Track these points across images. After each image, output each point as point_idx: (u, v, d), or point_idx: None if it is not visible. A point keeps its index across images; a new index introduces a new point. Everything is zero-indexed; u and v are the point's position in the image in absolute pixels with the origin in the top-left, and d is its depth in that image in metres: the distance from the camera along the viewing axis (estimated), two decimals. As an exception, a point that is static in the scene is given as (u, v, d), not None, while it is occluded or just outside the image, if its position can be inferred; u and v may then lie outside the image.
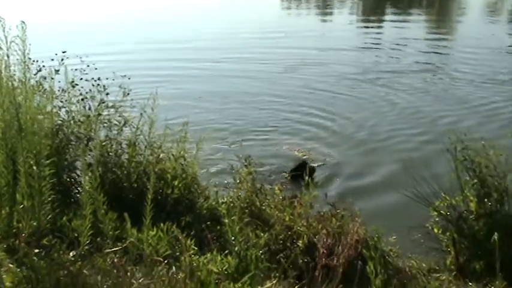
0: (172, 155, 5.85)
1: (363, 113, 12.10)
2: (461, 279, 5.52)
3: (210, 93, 13.35)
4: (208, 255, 3.94)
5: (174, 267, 3.48)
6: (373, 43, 20.98)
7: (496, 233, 4.61)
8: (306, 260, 4.98)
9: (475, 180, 5.88)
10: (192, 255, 3.77)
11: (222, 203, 5.87)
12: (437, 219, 6.48)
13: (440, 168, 6.84)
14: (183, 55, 18.10)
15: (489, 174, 5.84)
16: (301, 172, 5.80)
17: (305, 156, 7.95)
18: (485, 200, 5.87)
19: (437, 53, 19.25)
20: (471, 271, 5.69)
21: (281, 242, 5.26)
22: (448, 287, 5.30)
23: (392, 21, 26.77)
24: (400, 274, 5.52)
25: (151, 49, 19.19)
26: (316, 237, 5.02)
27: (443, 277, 5.52)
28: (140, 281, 3.21)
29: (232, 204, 5.82)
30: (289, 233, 5.36)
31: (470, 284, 5.36)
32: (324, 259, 4.23)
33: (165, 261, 3.60)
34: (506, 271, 4.75)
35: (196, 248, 4.01)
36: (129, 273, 3.35)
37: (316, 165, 7.98)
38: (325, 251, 4.49)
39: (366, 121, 11.57)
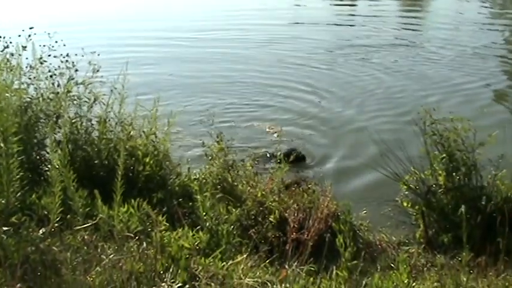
0: (144, 131, 5.82)
1: (336, 88, 12.11)
2: (430, 252, 5.65)
3: (181, 71, 13.23)
4: (180, 231, 3.96)
5: (145, 243, 3.49)
6: (347, 19, 20.99)
7: (463, 206, 4.72)
8: (277, 235, 5.05)
9: (444, 155, 5.97)
10: (163, 231, 3.77)
11: (194, 179, 5.88)
12: (406, 193, 6.59)
13: (413, 145, 6.90)
14: (154, 34, 17.87)
15: (457, 149, 5.94)
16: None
17: (275, 133, 7.98)
18: (454, 174, 5.98)
19: (410, 29, 19.37)
20: (439, 243, 5.81)
21: (253, 217, 5.31)
22: (417, 259, 5.41)
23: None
24: (370, 247, 5.63)
25: (122, 28, 18.89)
26: (287, 212, 5.07)
27: (413, 250, 5.63)
28: (111, 256, 3.21)
29: (204, 181, 5.84)
30: (261, 208, 5.40)
31: (438, 256, 5.49)
32: (294, 233, 4.28)
33: (136, 237, 3.60)
34: (473, 243, 4.87)
35: (167, 224, 4.02)
36: (99, 250, 3.36)
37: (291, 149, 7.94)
38: (295, 226, 4.54)
39: (339, 96, 11.59)
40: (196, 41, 17.09)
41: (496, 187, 5.87)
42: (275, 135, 8.01)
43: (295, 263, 3.67)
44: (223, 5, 23.86)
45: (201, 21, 20.56)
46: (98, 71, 5.96)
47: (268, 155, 7.60)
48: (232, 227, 4.37)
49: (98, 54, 6.18)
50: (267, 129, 8.89)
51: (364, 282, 3.39)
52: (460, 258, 4.46)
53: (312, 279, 3.57)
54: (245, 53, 15.27)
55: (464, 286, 4.08)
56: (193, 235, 3.98)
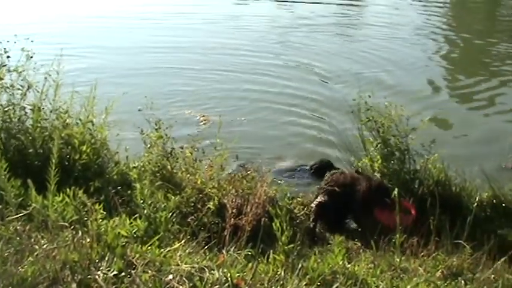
0: (80, 119, 5.71)
1: (272, 75, 12.26)
2: (366, 235, 5.80)
3: (119, 59, 13.05)
4: (117, 219, 3.91)
5: (80, 232, 3.44)
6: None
7: (396, 189, 4.87)
8: (216, 221, 5.07)
9: (379, 141, 6.14)
10: (100, 220, 3.72)
11: (133, 167, 5.83)
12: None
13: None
14: (92, 20, 17.51)
15: (392, 134, 6.12)
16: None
17: (205, 120, 7.95)
18: (388, 159, 6.16)
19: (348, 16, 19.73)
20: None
21: (192, 204, 5.31)
22: (353, 242, 5.56)
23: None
24: (308, 232, 5.74)
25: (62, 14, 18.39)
26: (226, 198, 5.10)
27: (349, 233, 5.78)
28: (44, 246, 3.15)
29: (143, 169, 5.80)
30: (201, 195, 5.41)
31: (374, 238, 5.64)
32: (232, 219, 4.32)
33: (72, 227, 3.54)
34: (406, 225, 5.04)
35: (104, 213, 3.97)
36: (32, 240, 3.29)
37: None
38: (234, 211, 4.58)
39: (276, 82, 11.73)
40: (137, 28, 16.85)
41: (428, 171, 6.08)
42: (203, 123, 8.01)
43: (233, 248, 3.70)
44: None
45: (142, 5, 20.26)
46: (31, 57, 5.80)
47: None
48: (170, 214, 4.36)
49: (32, 41, 6.01)
50: (198, 117, 8.91)
51: (300, 265, 3.44)
52: (393, 239, 4.59)
53: (250, 263, 3.62)
54: (183, 41, 15.14)
55: (397, 266, 4.22)
56: (131, 223, 3.95)
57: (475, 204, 5.56)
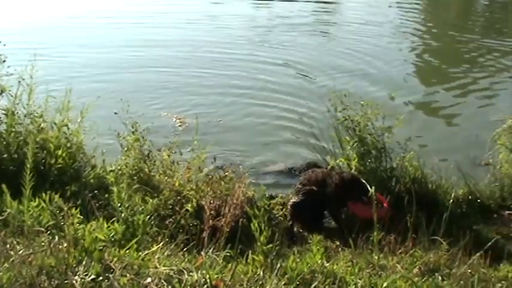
0: (55, 123, 5.66)
1: (251, 74, 12.27)
2: (345, 233, 5.83)
3: (93, 61, 12.94)
4: (94, 223, 3.89)
5: (57, 237, 3.41)
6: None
7: (372, 187, 4.91)
8: (194, 223, 5.07)
9: (355, 139, 6.18)
10: (77, 224, 3.69)
11: (110, 171, 5.79)
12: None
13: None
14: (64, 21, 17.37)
15: (368, 133, 6.16)
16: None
17: (181, 122, 7.92)
18: (365, 157, 6.20)
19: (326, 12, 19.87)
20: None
21: (170, 206, 5.30)
22: (332, 241, 5.59)
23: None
24: (287, 232, 5.75)
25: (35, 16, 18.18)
26: (204, 199, 5.10)
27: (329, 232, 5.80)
28: (20, 252, 3.12)
29: (120, 172, 5.76)
30: (179, 197, 5.40)
31: (352, 236, 5.68)
32: (210, 220, 4.31)
33: (48, 232, 3.51)
34: (383, 223, 5.09)
35: (81, 217, 3.94)
36: (8, 246, 3.25)
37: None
38: (212, 213, 4.57)
39: (255, 82, 11.74)
40: (113, 27, 16.76)
41: (404, 168, 6.14)
42: (179, 125, 7.98)
43: (212, 250, 3.70)
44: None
45: (118, 5, 20.16)
46: (4, 61, 5.74)
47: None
48: (148, 217, 4.35)
49: (4, 44, 5.94)
50: (174, 119, 8.88)
51: (279, 265, 3.45)
52: (370, 237, 4.64)
53: (229, 264, 3.62)
54: (160, 41, 15.08)
55: (376, 264, 4.25)
56: (109, 227, 3.93)
57: (451, 200, 5.62)
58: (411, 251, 4.66)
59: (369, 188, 4.91)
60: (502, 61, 13.74)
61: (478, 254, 4.40)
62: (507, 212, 6.19)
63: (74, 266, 3.06)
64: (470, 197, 6.30)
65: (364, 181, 5.59)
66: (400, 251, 4.79)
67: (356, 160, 6.26)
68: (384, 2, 22.27)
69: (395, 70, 13.01)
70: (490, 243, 4.60)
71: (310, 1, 22.12)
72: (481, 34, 17.04)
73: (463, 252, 4.54)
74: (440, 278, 3.99)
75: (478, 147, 8.07)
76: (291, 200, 5.87)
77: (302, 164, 7.20)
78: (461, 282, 3.96)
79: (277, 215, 5.93)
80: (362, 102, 6.17)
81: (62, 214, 3.72)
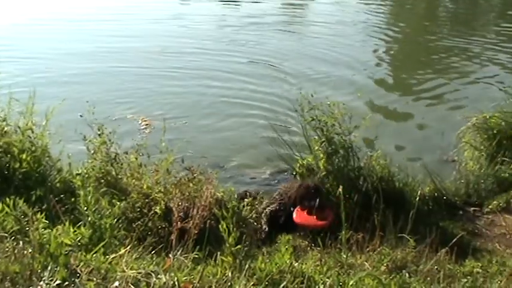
0: (19, 127, 5.55)
1: (218, 75, 12.25)
2: (314, 232, 5.87)
3: (59, 65, 12.74)
4: (60, 227, 3.83)
5: (21, 243, 3.35)
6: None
7: (340, 187, 4.94)
8: (163, 225, 5.04)
9: (323, 139, 6.21)
10: (42, 229, 3.64)
11: (77, 174, 5.71)
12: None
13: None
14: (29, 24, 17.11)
15: (335, 133, 6.20)
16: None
17: (147, 124, 7.87)
18: (333, 157, 6.23)
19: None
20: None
21: (138, 209, 5.25)
22: (301, 240, 5.61)
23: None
24: (257, 233, 5.76)
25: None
26: (172, 202, 5.07)
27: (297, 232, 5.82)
28: (-18, 259, 3.06)
29: (87, 175, 5.69)
30: (147, 200, 5.35)
31: (321, 235, 5.71)
32: (179, 222, 4.29)
33: (12, 237, 3.45)
34: (351, 220, 5.15)
35: (47, 222, 3.88)
36: (-30, 253, 3.19)
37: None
38: (180, 215, 4.55)
39: (222, 83, 11.71)
40: (79, 30, 16.55)
41: (372, 167, 6.19)
42: (144, 127, 7.91)
43: (180, 252, 3.68)
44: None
45: (82, 7, 19.92)
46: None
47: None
48: (116, 220, 4.31)
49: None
50: (140, 120, 8.81)
51: (247, 266, 3.45)
52: (339, 236, 4.68)
53: (198, 266, 3.60)
54: (125, 46, 14.94)
55: (344, 263, 4.29)
56: (75, 231, 3.88)
57: (418, 198, 5.69)
58: (379, 249, 4.72)
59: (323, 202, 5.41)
60: (469, 62, 13.98)
61: (443, 251, 4.49)
62: (472, 208, 6.30)
63: (39, 271, 3.00)
64: (436, 194, 6.39)
65: (323, 192, 5.74)
66: (368, 249, 4.85)
67: (323, 160, 6.28)
68: (352, 1, 22.49)
69: (363, 70, 13.10)
70: (455, 240, 4.69)
71: (280, 1, 22.22)
72: (450, 34, 17.32)
73: (430, 249, 4.63)
74: (407, 274, 4.05)
75: (444, 146, 8.22)
76: (268, 208, 6.03)
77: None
78: (428, 278, 4.03)
79: (247, 216, 5.93)
80: (329, 103, 6.20)
81: (27, 219, 3.65)
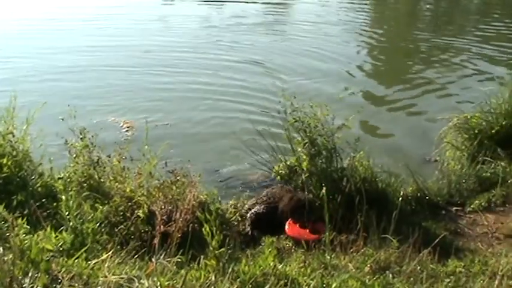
0: (-1, 131, 5.50)
1: (201, 77, 12.24)
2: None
3: (40, 67, 12.65)
4: (41, 233, 3.80)
5: (1, 249, 3.31)
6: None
7: (324, 188, 4.96)
8: (146, 229, 5.01)
9: (306, 140, 6.21)
10: (23, 235, 3.60)
11: (59, 178, 5.67)
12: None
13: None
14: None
15: (318, 134, 6.21)
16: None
17: (129, 126, 7.82)
18: (316, 158, 6.25)
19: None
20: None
21: (121, 213, 5.22)
22: (285, 242, 5.61)
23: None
24: (240, 235, 5.75)
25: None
26: (155, 205, 5.04)
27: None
28: (-38, 266, 3.01)
29: (69, 179, 5.65)
30: (130, 203, 5.32)
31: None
32: (162, 226, 4.26)
33: (-8, 244, 3.41)
34: (334, 222, 5.16)
35: (28, 227, 3.84)
36: (-51, 260, 3.14)
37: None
38: (163, 218, 4.52)
39: (202, 85, 11.73)
40: (61, 30, 16.49)
41: (355, 168, 6.21)
42: (126, 130, 7.86)
43: (163, 256, 3.66)
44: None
45: (67, 7, 19.81)
46: None
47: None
48: (98, 224, 4.28)
49: None
50: (122, 124, 8.78)
51: (231, 269, 3.44)
52: (323, 238, 4.69)
53: (182, 270, 3.59)
54: (108, 42, 14.89)
55: (328, 264, 4.30)
56: (57, 236, 3.85)
57: (400, 198, 5.72)
58: (362, 250, 4.74)
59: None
60: (452, 60, 14.13)
61: (426, 251, 4.51)
62: (454, 208, 6.35)
63: (20, 278, 2.97)
64: (419, 194, 6.42)
65: (316, 206, 5.72)
66: (352, 250, 4.87)
67: (306, 161, 6.29)
68: (336, 1, 22.64)
69: (346, 69, 13.21)
70: (438, 240, 4.72)
71: (263, 2, 22.28)
72: (432, 32, 17.50)
73: (413, 249, 4.65)
74: (390, 275, 4.08)
75: (426, 146, 8.26)
76: (253, 209, 6.05)
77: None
78: (411, 279, 4.05)
79: (230, 219, 5.92)
80: (311, 104, 6.21)
81: (7, 225, 3.61)
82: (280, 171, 6.80)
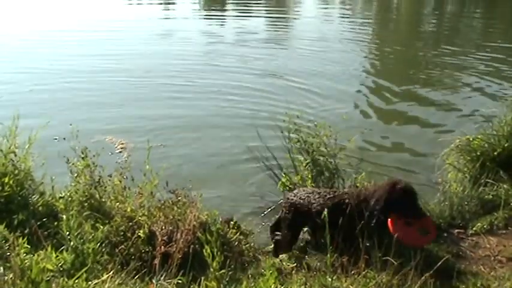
0: (1, 150, 5.50)
1: (197, 99, 12.31)
2: (299, 255, 5.83)
3: (41, 86, 12.74)
4: (42, 252, 3.79)
5: (2, 268, 3.30)
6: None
7: (325, 209, 4.93)
8: (147, 250, 4.98)
9: (308, 160, 6.22)
10: (24, 255, 3.59)
11: (60, 197, 5.67)
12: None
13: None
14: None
15: (320, 154, 6.22)
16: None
17: (123, 147, 7.80)
18: (318, 178, 6.25)
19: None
20: (309, 247, 6.01)
21: (122, 233, 5.19)
22: (286, 263, 5.57)
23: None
24: (241, 256, 5.71)
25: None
26: (155, 225, 5.03)
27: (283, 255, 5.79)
28: (-38, 286, 3.01)
29: (70, 199, 5.64)
30: (130, 223, 5.30)
31: (306, 259, 5.68)
32: (162, 246, 4.25)
33: (-7, 263, 3.41)
34: (336, 244, 5.11)
35: (29, 247, 3.83)
36: (-51, 280, 3.13)
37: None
38: (164, 239, 4.51)
39: (201, 103, 11.81)
40: (62, 45, 16.66)
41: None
42: (119, 150, 7.83)
43: (163, 277, 3.65)
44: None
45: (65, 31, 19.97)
46: None
47: None
48: (99, 244, 4.27)
49: None
50: (118, 144, 8.75)
51: (232, 291, 3.43)
52: (324, 260, 4.66)
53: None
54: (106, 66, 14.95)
55: (329, 286, 4.27)
56: (57, 256, 3.84)
57: (402, 220, 5.68)
58: (364, 272, 4.69)
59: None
60: (454, 77, 14.16)
61: (428, 274, 4.47)
62: (456, 230, 6.31)
63: (20, 298, 2.96)
64: (421, 216, 6.38)
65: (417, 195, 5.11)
66: (353, 272, 4.82)
67: (309, 181, 6.29)
68: (337, 17, 22.82)
69: (348, 87, 13.28)
70: (440, 263, 4.68)
71: (266, 16, 22.47)
72: (434, 49, 17.56)
73: (415, 272, 4.61)
74: (393, 298, 4.04)
75: (427, 167, 8.24)
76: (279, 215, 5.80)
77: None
78: (413, 302, 4.02)
79: (231, 239, 5.89)
80: (315, 124, 6.24)
81: (8, 244, 3.61)
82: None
